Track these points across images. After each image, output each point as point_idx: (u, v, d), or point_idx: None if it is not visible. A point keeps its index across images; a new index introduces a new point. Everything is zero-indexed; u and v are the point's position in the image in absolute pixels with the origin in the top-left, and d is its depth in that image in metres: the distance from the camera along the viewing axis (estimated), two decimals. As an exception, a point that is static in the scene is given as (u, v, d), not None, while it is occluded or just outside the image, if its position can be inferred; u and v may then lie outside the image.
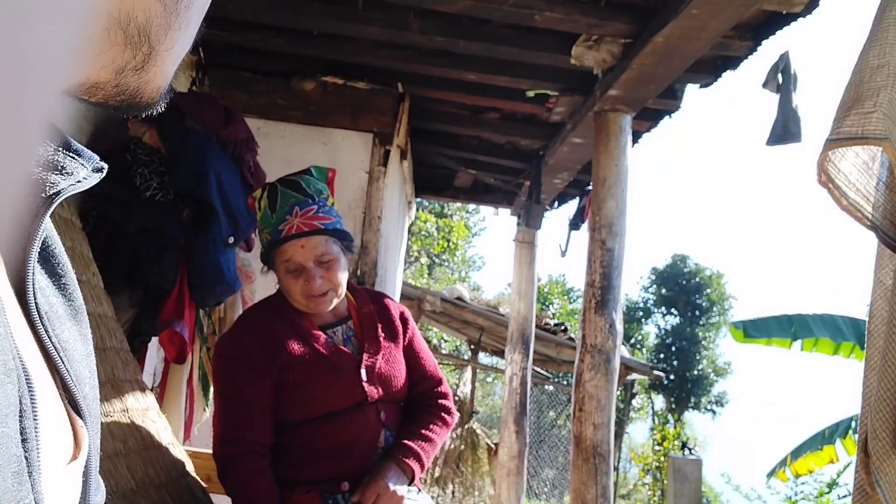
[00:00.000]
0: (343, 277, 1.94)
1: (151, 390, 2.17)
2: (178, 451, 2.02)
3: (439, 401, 2.07)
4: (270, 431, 1.87)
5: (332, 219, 1.93)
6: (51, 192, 0.46)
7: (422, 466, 1.94)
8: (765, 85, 3.01)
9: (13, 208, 0.36)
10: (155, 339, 2.58)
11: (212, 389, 2.77)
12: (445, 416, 2.06)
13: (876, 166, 1.34)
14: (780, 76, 2.96)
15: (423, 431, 1.98)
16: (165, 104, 0.50)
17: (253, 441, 1.83)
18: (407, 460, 1.90)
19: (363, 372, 1.93)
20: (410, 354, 2.07)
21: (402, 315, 2.11)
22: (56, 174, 0.46)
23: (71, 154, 0.47)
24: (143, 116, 0.49)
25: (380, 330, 2.03)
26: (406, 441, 1.94)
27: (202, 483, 2.07)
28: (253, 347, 1.88)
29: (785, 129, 2.90)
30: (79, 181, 0.48)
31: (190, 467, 2.05)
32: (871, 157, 1.34)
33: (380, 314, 2.06)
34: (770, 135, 2.96)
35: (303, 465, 1.88)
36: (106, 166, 0.51)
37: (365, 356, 1.95)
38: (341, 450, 1.89)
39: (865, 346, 1.35)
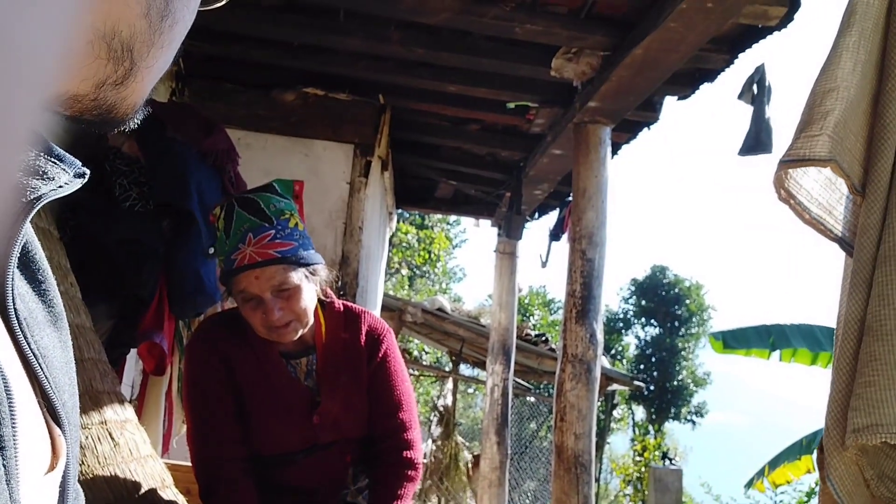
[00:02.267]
0: (308, 306, 1.76)
1: (130, 402, 2.15)
2: (157, 464, 2.00)
3: (403, 454, 1.89)
4: (247, 444, 1.83)
5: (291, 244, 1.73)
6: (31, 197, 0.46)
7: None
8: (740, 96, 3.05)
9: (-6, 213, 0.36)
10: (134, 351, 2.56)
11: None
12: (410, 472, 1.88)
13: (840, 182, 1.41)
14: (754, 88, 3.00)
15: (390, 500, 1.84)
16: (143, 117, 0.50)
17: (234, 457, 1.79)
18: None
19: (317, 416, 1.82)
20: (375, 386, 1.89)
21: (375, 340, 1.92)
22: (37, 179, 0.46)
23: (52, 159, 0.47)
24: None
25: (345, 366, 1.87)
26: None
27: (181, 496, 2.04)
28: (213, 360, 1.83)
29: (757, 140, 2.94)
30: (60, 186, 0.48)
31: (169, 480, 2.02)
32: (834, 175, 1.40)
33: (349, 345, 1.89)
34: (742, 145, 3.00)
35: (269, 496, 1.83)
36: (87, 172, 0.51)
37: (322, 399, 1.83)
38: (305, 490, 1.85)
39: (833, 351, 1.41)
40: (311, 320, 1.80)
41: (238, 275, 1.70)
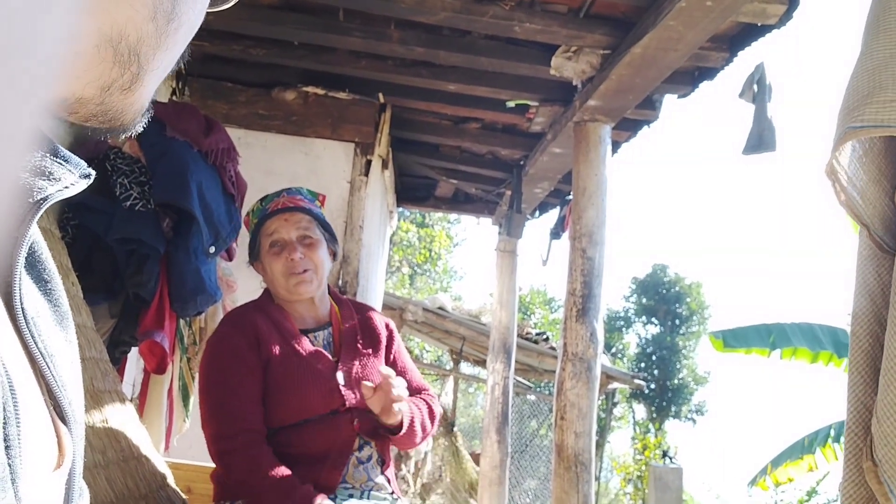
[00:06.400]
0: (324, 263, 1.98)
1: (131, 401, 2.15)
2: (158, 463, 2.01)
3: (427, 400, 2.08)
4: (264, 422, 1.85)
5: (319, 212, 2.02)
6: (38, 198, 0.46)
7: (410, 421, 1.90)
8: (741, 95, 3.06)
9: (1, 214, 0.37)
10: (135, 350, 2.56)
11: (192, 399, 2.75)
12: (432, 405, 2.07)
13: (869, 164, 1.30)
14: (755, 86, 3.01)
15: (412, 405, 1.97)
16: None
17: (251, 430, 1.81)
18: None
19: (340, 375, 1.92)
20: (395, 368, 2.03)
21: (387, 327, 2.12)
22: (43, 180, 0.46)
23: (58, 160, 0.47)
24: None
25: (360, 339, 2.03)
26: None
27: (182, 494, 2.05)
28: (240, 342, 1.89)
29: (760, 139, 2.94)
30: (66, 187, 0.48)
31: (170, 479, 2.03)
32: (864, 152, 1.30)
33: (363, 325, 2.07)
34: (746, 144, 3.01)
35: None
36: (93, 173, 0.52)
37: (342, 361, 1.96)
38: (315, 457, 1.87)
39: (849, 349, 1.29)
40: (325, 280, 2.00)
41: (270, 218, 1.97)
